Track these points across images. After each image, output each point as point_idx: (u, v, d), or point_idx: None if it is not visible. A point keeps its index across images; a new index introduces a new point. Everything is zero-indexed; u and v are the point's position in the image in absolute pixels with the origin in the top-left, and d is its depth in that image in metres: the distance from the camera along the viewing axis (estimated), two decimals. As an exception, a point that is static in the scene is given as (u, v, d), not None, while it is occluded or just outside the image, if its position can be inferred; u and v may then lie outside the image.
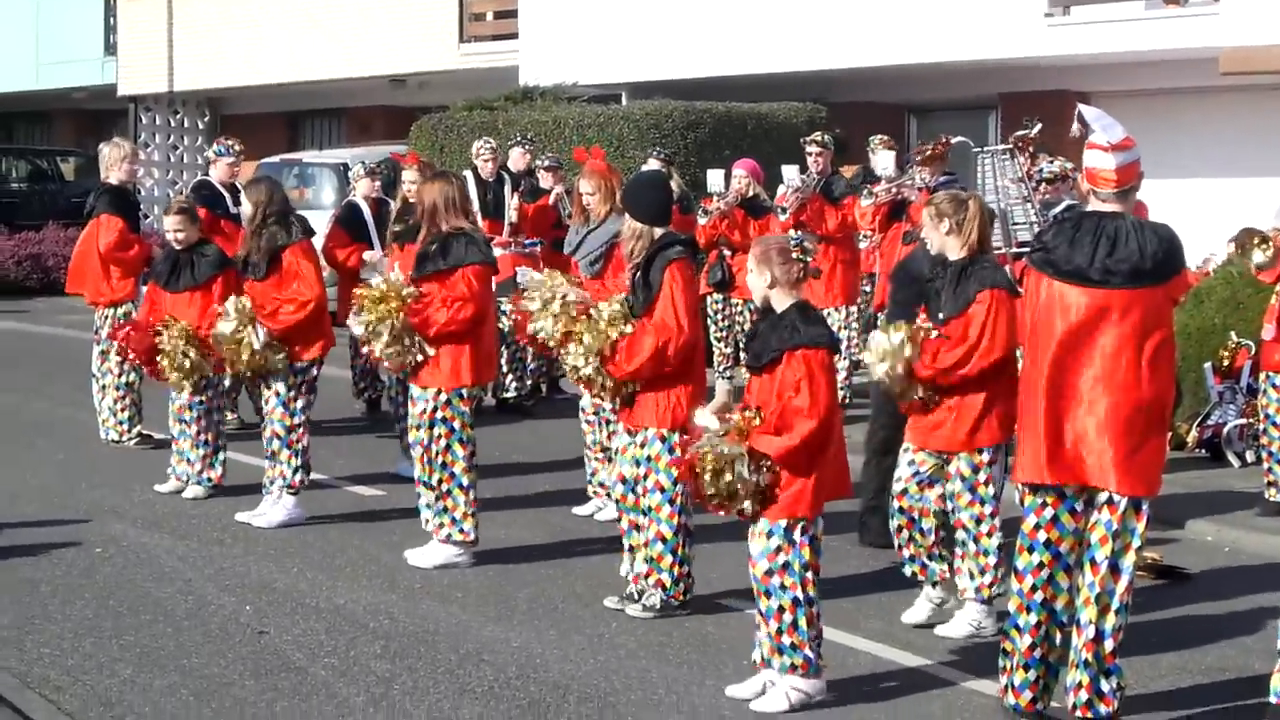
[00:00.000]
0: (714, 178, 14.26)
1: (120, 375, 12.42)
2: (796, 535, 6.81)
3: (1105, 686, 6.35)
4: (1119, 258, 6.28)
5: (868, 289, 14.44)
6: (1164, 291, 6.33)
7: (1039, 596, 6.39)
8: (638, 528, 8.25)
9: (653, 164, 13.71)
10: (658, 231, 8.14)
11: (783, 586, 6.81)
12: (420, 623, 8.09)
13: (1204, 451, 12.17)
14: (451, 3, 24.35)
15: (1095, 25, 17.45)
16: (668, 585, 8.19)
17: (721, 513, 6.95)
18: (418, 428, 9.12)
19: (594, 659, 7.56)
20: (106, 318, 12.60)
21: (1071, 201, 10.38)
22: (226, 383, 11.45)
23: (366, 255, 13.09)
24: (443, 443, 9.05)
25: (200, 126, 30.47)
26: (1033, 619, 6.41)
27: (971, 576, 7.88)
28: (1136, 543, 6.37)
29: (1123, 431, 6.26)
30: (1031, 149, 10.74)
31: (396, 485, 11.12)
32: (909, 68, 18.98)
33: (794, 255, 6.92)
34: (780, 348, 6.83)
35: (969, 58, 18.26)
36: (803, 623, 6.81)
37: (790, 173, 13.63)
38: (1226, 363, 12.23)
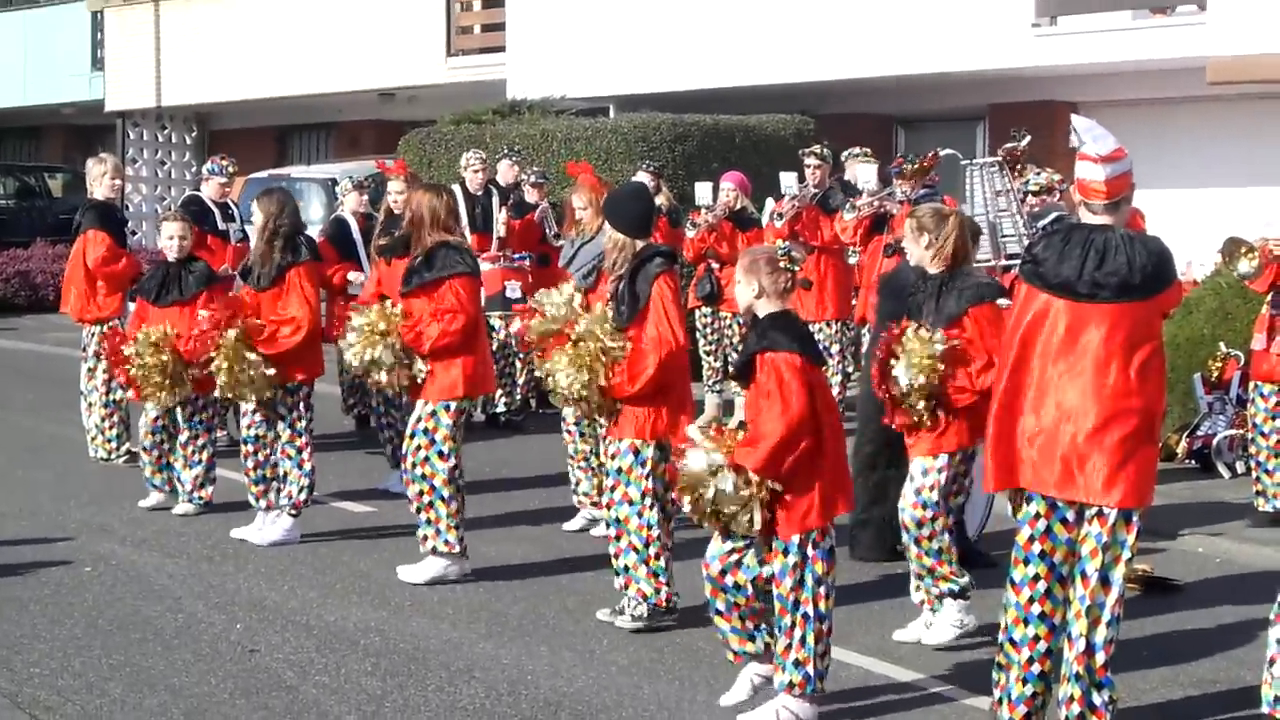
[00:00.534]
0: (702, 190, 14.26)
1: (108, 393, 12.41)
2: (809, 549, 6.76)
3: (1097, 699, 6.34)
4: (1107, 271, 6.26)
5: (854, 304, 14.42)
6: (1153, 305, 6.32)
7: (1036, 609, 6.37)
8: (608, 539, 8.27)
9: (642, 176, 13.71)
10: (639, 243, 8.15)
11: (796, 603, 6.75)
12: (411, 640, 8.07)
13: (1194, 462, 12.17)
14: (439, 16, 24.36)
15: (1083, 35, 17.47)
16: (649, 594, 8.18)
17: (708, 525, 6.89)
18: (411, 437, 9.13)
19: (585, 675, 7.55)
20: (93, 335, 12.59)
21: (1060, 213, 10.38)
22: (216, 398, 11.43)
23: (351, 276, 13.02)
24: (421, 454, 9.04)
25: (188, 141, 30.47)
26: (1030, 632, 6.39)
27: (920, 579, 7.93)
28: (1127, 554, 6.35)
29: (1112, 444, 6.24)
30: (1021, 161, 10.75)
31: (387, 501, 11.11)
32: (897, 79, 19.01)
33: (782, 265, 6.85)
34: (749, 352, 6.79)
35: (957, 69, 18.30)
36: (810, 639, 6.74)
37: (788, 180, 13.62)
38: (1216, 374, 12.25)
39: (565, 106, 20.39)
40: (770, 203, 14.14)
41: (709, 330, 14.64)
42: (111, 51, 29.53)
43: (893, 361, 7.78)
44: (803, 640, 6.74)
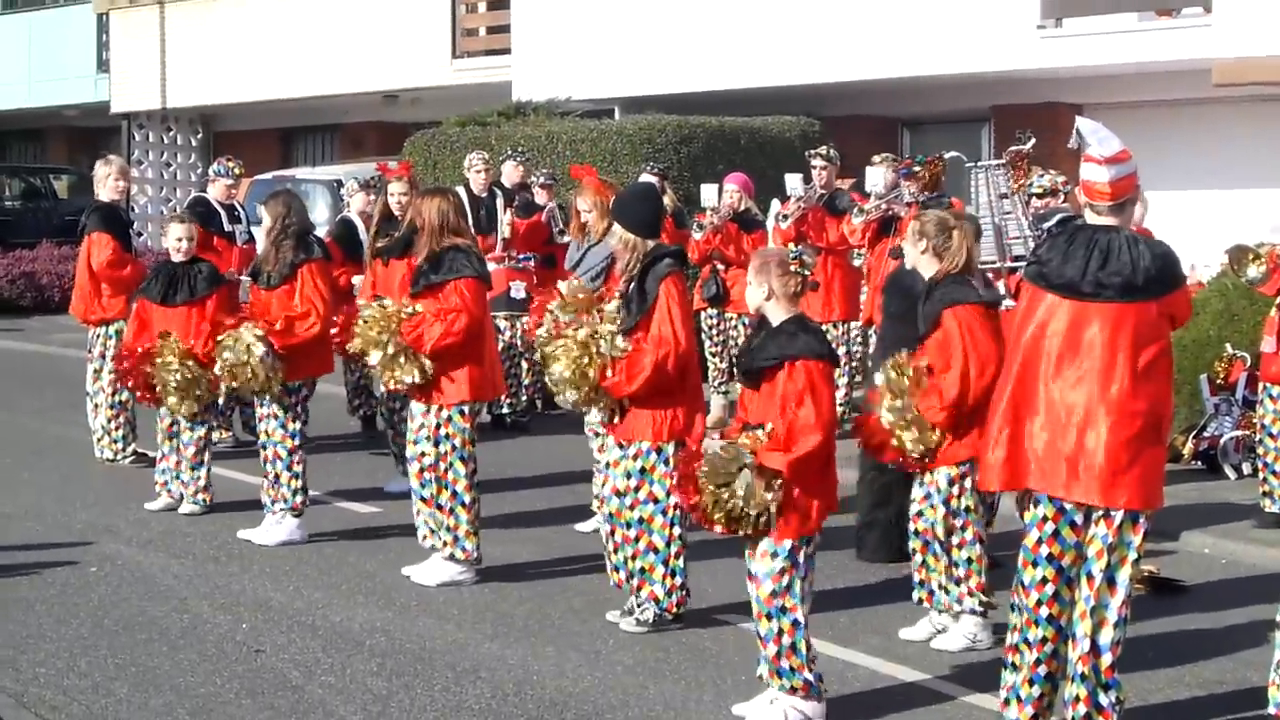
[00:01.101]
0: (707, 192, 14.26)
1: (114, 394, 12.41)
2: (800, 556, 6.77)
3: (1104, 700, 6.33)
4: (1111, 271, 6.26)
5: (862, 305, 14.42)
6: (1159, 306, 6.30)
7: (1045, 611, 6.37)
8: (627, 541, 8.24)
9: (647, 178, 13.70)
10: (649, 243, 8.15)
11: (783, 609, 6.75)
12: (417, 640, 8.07)
13: (1200, 464, 12.16)
14: (444, 18, 24.37)
15: (1088, 37, 17.46)
16: (660, 598, 8.17)
17: (718, 530, 6.89)
18: (415, 443, 9.10)
19: (591, 676, 7.54)
20: (98, 336, 12.61)
21: (1065, 215, 10.37)
22: (220, 401, 11.45)
23: (356, 279, 13.00)
24: (447, 460, 9.03)
25: (193, 143, 30.49)
26: (1039, 633, 6.38)
27: (946, 591, 7.91)
28: (1133, 556, 6.34)
29: (1117, 445, 6.24)
30: (1026, 163, 10.74)
31: (392, 502, 11.10)
32: (902, 81, 19.01)
33: (793, 268, 6.88)
34: (779, 355, 6.77)
35: (962, 70, 18.29)
36: (802, 645, 6.76)
37: (793, 181, 13.61)
38: (1222, 375, 12.24)
39: (570, 108, 20.40)
40: (775, 204, 14.14)
41: (714, 331, 14.63)
42: (117, 53, 29.56)
43: (876, 410, 7.83)
44: (794, 647, 6.76)
